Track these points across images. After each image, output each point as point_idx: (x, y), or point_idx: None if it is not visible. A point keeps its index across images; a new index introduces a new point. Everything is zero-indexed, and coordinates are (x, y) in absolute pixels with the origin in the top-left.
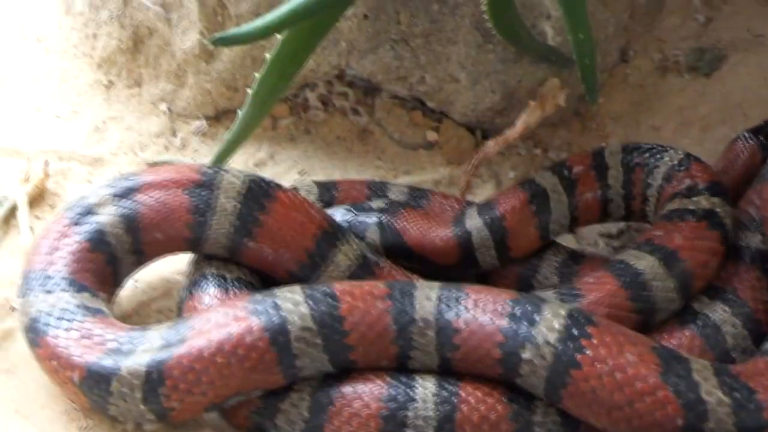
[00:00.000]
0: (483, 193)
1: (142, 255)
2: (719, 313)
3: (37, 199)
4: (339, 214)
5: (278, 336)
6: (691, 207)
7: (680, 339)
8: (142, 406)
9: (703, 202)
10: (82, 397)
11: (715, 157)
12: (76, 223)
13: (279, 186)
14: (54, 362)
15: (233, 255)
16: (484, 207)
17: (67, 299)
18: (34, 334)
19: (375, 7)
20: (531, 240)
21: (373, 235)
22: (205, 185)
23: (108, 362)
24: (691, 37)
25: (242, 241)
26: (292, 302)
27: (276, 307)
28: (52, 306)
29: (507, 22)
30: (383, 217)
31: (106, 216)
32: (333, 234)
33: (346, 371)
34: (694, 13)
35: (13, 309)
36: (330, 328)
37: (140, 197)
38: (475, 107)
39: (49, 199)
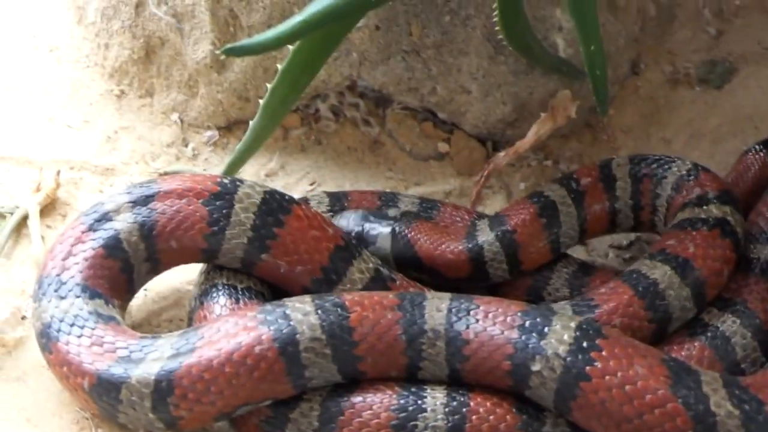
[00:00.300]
0: (493, 204)
1: (157, 263)
2: (729, 324)
3: (49, 208)
4: (354, 219)
5: (287, 346)
6: (702, 216)
7: (690, 350)
8: (151, 415)
9: (714, 210)
10: (92, 404)
11: (725, 169)
12: (92, 229)
13: (295, 200)
14: (65, 368)
15: (247, 268)
16: (495, 220)
17: (80, 305)
18: (47, 339)
19: (387, 19)
20: (542, 253)
21: (385, 243)
22: (222, 196)
23: (118, 370)
24: (702, 50)
25: (257, 254)
26: (301, 312)
27: (286, 317)
28: (65, 312)
29: (518, 34)
30: (397, 225)
31: (123, 223)
32: (348, 249)
33: (355, 381)
34: (705, 26)
35: (23, 318)
36: (339, 339)
37: (157, 205)
38: (486, 119)
39: (61, 209)
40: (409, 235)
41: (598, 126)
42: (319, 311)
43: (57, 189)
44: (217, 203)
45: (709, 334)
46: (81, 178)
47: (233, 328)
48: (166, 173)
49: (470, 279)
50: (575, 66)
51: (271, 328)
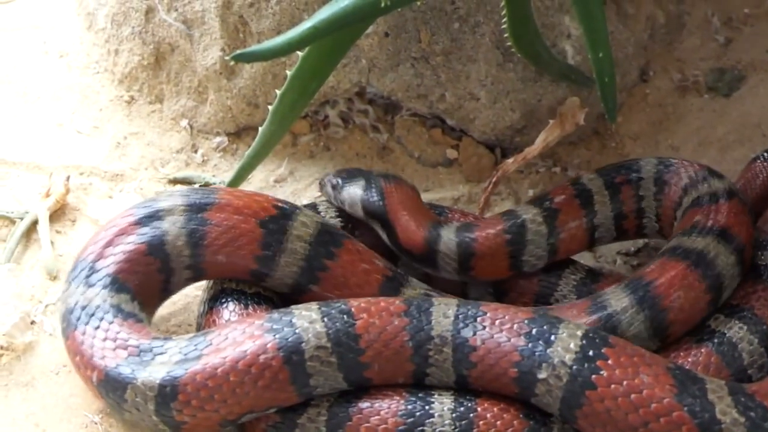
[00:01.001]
0: (502, 210)
1: (199, 272)
2: (736, 330)
3: (58, 214)
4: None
5: (292, 355)
6: (709, 191)
7: (697, 356)
8: (154, 417)
9: (716, 183)
10: (101, 397)
11: (733, 177)
12: (140, 224)
13: (345, 234)
14: (77, 358)
15: (294, 295)
16: (465, 226)
17: (104, 296)
18: (66, 324)
19: (396, 25)
20: (500, 268)
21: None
22: (278, 221)
23: (125, 370)
24: (710, 58)
25: (306, 284)
26: (307, 320)
27: (291, 324)
28: (89, 300)
29: (527, 41)
30: (374, 177)
31: (172, 225)
32: (395, 279)
33: (362, 388)
34: (713, 34)
35: (33, 323)
36: (345, 346)
37: (212, 216)
38: (495, 125)
39: (70, 214)
40: (383, 185)
41: (607, 133)
42: (326, 319)
43: (66, 194)
44: (273, 227)
45: (716, 340)
46: (90, 184)
47: (240, 336)
48: (175, 179)
49: (418, 260)
50: (584, 73)
51: (277, 336)
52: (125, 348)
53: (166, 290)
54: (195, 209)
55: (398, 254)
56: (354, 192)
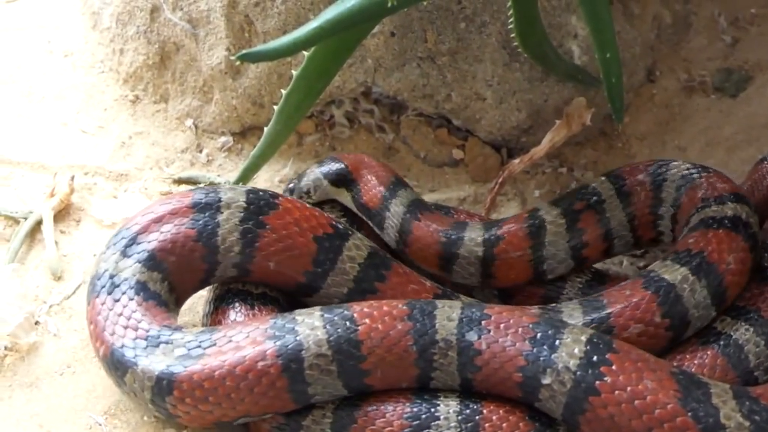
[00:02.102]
0: (508, 211)
1: (244, 273)
2: (742, 332)
3: (63, 213)
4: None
5: (291, 363)
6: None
7: (703, 358)
8: (150, 405)
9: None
10: (104, 370)
11: (741, 178)
12: (197, 209)
13: (392, 258)
14: (92, 327)
15: None
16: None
17: (134, 271)
18: (91, 289)
19: (402, 25)
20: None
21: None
22: (333, 240)
23: (129, 353)
24: (717, 58)
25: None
26: (309, 327)
27: (293, 331)
28: (119, 271)
29: (534, 41)
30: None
31: (229, 220)
32: (445, 295)
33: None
34: (720, 34)
35: (37, 323)
36: (346, 354)
37: (271, 221)
38: (501, 125)
39: (75, 214)
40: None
41: (613, 134)
42: (328, 326)
43: (71, 194)
44: (328, 245)
45: (722, 342)
46: (95, 184)
47: (242, 340)
48: (180, 179)
49: (371, 217)
50: (590, 73)
51: (277, 343)
52: (135, 329)
53: (205, 281)
54: (255, 210)
55: (363, 217)
56: (313, 174)
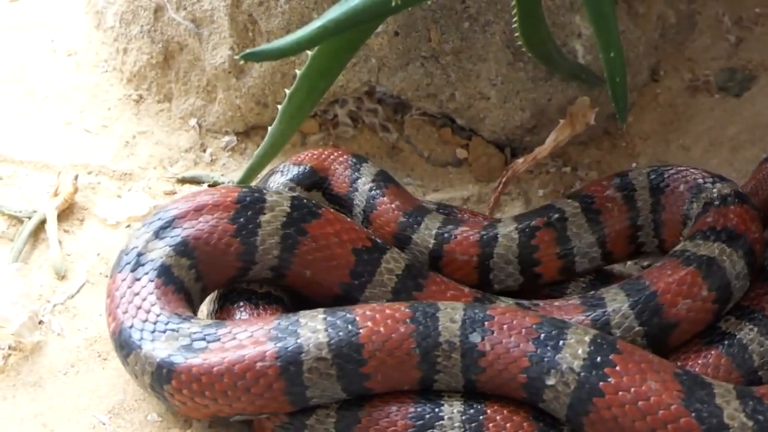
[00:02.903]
0: (511, 211)
1: (279, 278)
2: (746, 332)
3: (66, 213)
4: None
5: (290, 365)
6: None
7: (707, 358)
8: (149, 389)
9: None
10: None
11: (745, 177)
12: (242, 205)
13: (429, 270)
14: (108, 301)
15: None
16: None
17: (163, 254)
18: (116, 264)
19: (406, 24)
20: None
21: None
22: (372, 253)
23: (136, 335)
24: (721, 58)
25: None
26: (311, 329)
27: (294, 333)
28: (148, 251)
29: (538, 40)
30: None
31: (270, 223)
32: (485, 299)
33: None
34: (724, 34)
35: (41, 323)
36: (346, 357)
37: (312, 231)
38: (505, 125)
39: (78, 214)
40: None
41: (617, 133)
42: (329, 328)
43: (75, 193)
44: (366, 258)
45: (726, 342)
46: (99, 183)
47: (245, 339)
48: (184, 179)
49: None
50: (594, 73)
51: (278, 344)
52: (147, 312)
53: (237, 278)
54: (298, 217)
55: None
56: (276, 182)
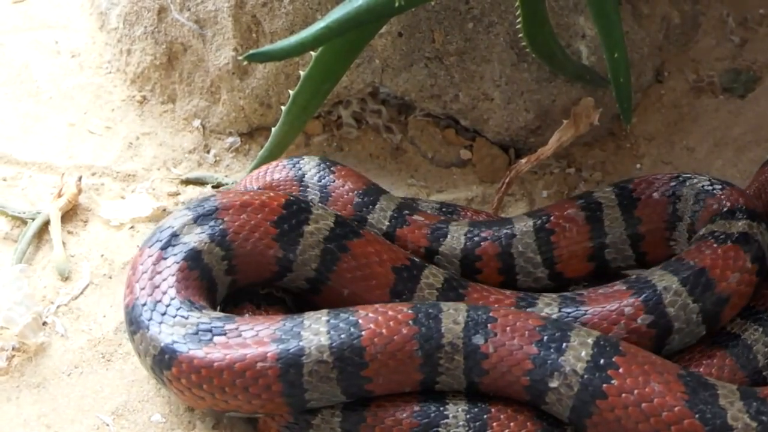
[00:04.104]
0: (515, 211)
1: (315, 292)
2: (751, 332)
3: (70, 214)
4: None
5: (290, 368)
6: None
7: (711, 359)
8: (150, 371)
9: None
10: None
11: (749, 178)
12: (287, 211)
13: (468, 281)
14: (130, 272)
15: None
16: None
17: (198, 239)
18: (148, 238)
19: (409, 25)
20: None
21: None
22: (411, 270)
23: (146, 314)
24: (726, 59)
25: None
26: (313, 332)
27: (297, 335)
28: (182, 234)
29: (542, 41)
30: None
31: (313, 233)
32: (525, 300)
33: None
34: (729, 35)
35: (45, 324)
36: (348, 361)
37: (354, 246)
38: (509, 126)
39: (82, 215)
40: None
41: (622, 134)
42: (332, 331)
43: (78, 195)
44: (406, 275)
45: (730, 342)
46: (102, 184)
47: (250, 338)
48: (188, 180)
49: None
50: (599, 74)
51: (280, 346)
52: (163, 293)
53: (270, 281)
54: (341, 233)
55: None
56: None
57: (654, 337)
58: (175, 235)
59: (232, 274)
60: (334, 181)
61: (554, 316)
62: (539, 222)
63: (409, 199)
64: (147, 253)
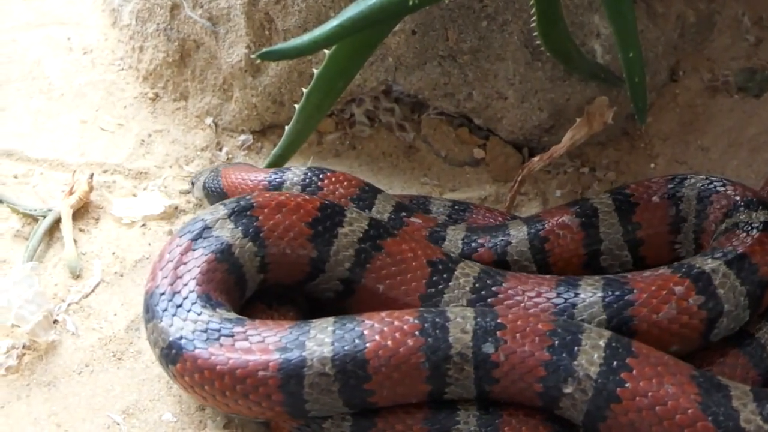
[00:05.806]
0: (529, 210)
1: (348, 291)
2: (765, 331)
3: (81, 211)
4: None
5: (291, 379)
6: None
7: (724, 357)
8: (157, 360)
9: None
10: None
11: (763, 178)
12: (322, 215)
13: (500, 283)
14: (157, 259)
15: None
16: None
17: (230, 235)
18: (181, 228)
19: (423, 24)
20: None
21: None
22: (446, 263)
23: (162, 305)
24: (741, 58)
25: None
26: (318, 342)
27: (301, 345)
28: (216, 228)
29: (556, 40)
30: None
31: (348, 234)
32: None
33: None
34: (744, 34)
35: (55, 322)
36: (350, 374)
37: (389, 246)
38: (523, 125)
39: (93, 212)
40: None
41: (636, 134)
42: (336, 343)
43: (90, 192)
44: (441, 267)
45: (744, 341)
46: (114, 182)
47: (255, 344)
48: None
49: None
50: (613, 73)
51: (282, 356)
52: (184, 285)
53: (303, 282)
54: (375, 234)
55: None
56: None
57: (705, 320)
58: (207, 228)
59: (264, 272)
60: (322, 189)
61: (603, 299)
62: (533, 230)
63: (422, 197)
64: (177, 242)
